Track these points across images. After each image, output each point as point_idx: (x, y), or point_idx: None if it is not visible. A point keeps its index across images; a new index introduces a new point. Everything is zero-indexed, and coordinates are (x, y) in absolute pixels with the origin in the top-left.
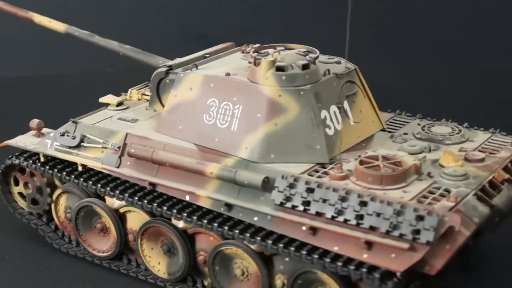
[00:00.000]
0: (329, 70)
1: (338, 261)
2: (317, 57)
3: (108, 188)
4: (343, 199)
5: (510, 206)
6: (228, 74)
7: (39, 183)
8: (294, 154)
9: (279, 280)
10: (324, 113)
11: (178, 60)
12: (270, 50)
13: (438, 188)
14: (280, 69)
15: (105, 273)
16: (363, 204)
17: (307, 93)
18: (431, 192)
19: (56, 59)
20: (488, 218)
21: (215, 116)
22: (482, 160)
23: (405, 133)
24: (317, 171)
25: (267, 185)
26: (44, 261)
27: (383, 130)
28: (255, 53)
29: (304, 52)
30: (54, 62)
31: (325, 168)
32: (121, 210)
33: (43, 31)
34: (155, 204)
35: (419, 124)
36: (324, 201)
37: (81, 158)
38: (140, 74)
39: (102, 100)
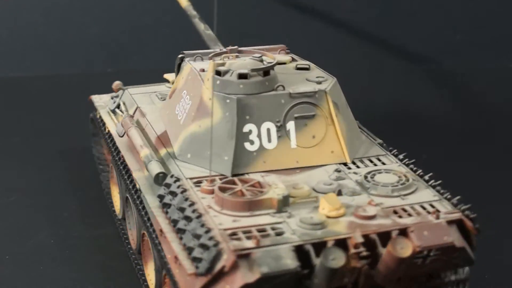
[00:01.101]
0: (283, 86)
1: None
2: (263, 69)
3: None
4: (181, 209)
5: (323, 274)
6: (202, 70)
7: None
8: (205, 159)
9: None
10: (250, 127)
11: (199, 51)
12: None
13: (274, 229)
14: (217, 73)
15: (105, 274)
16: (187, 219)
17: (232, 103)
18: (261, 230)
19: (56, 59)
20: (290, 273)
21: (180, 107)
22: (371, 217)
23: (355, 173)
24: (212, 180)
25: (160, 180)
26: (44, 261)
27: (345, 164)
28: (214, 57)
29: (269, 62)
30: (54, 62)
31: (228, 179)
32: None
33: (43, 31)
34: None
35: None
36: (177, 208)
37: (109, 122)
38: (140, 74)
39: (165, 76)
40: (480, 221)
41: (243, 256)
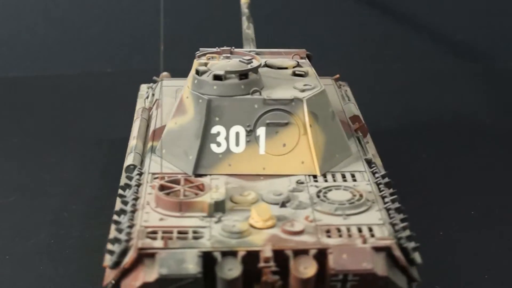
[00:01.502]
0: (260, 92)
1: None
2: (238, 72)
3: None
4: (125, 202)
5: (220, 285)
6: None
7: None
8: (175, 157)
9: None
10: (218, 128)
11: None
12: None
13: (195, 232)
14: (197, 72)
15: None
16: (124, 212)
17: (203, 103)
18: (182, 232)
19: (56, 59)
20: (191, 278)
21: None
22: (296, 233)
23: (316, 186)
24: (162, 178)
25: (131, 171)
26: (44, 261)
27: (315, 176)
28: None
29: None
30: (54, 62)
31: (189, 177)
32: None
33: (42, 31)
34: None
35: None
36: (124, 200)
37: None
38: (140, 74)
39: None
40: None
41: (148, 255)
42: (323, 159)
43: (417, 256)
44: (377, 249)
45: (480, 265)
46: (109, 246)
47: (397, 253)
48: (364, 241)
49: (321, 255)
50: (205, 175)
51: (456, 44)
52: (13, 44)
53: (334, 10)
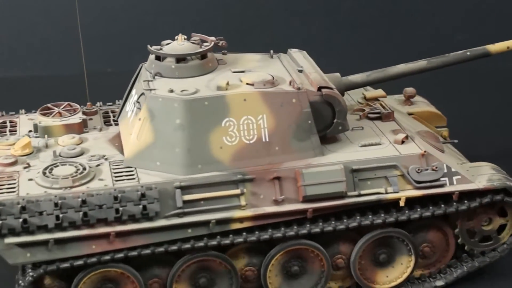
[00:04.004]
0: (160, 72)
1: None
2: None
3: None
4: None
5: None
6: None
7: None
8: None
9: None
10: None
11: None
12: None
13: None
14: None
15: None
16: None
17: None
18: None
19: (56, 59)
20: None
21: None
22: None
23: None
24: None
25: None
26: None
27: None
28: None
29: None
30: (54, 62)
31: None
32: None
33: (43, 31)
34: None
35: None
36: None
37: None
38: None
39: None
40: None
41: None
42: (138, 151)
43: None
44: None
45: None
46: None
47: None
48: None
49: None
50: None
51: (456, 44)
52: (13, 44)
53: (334, 10)
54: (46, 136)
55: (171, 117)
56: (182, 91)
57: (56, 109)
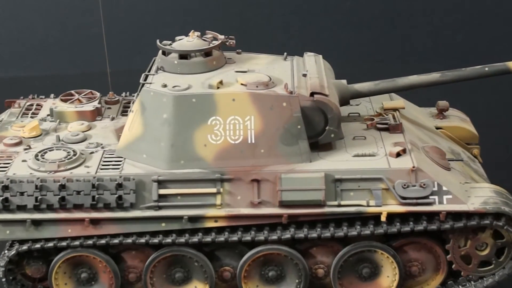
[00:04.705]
0: (164, 66)
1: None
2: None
3: None
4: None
5: None
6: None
7: None
8: None
9: None
10: None
11: None
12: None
13: None
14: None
15: None
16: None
17: None
18: None
19: (56, 59)
20: None
21: None
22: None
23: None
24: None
25: None
26: None
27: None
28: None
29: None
30: (54, 62)
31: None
32: None
33: (43, 31)
34: None
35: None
36: None
37: None
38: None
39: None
40: None
41: None
42: (128, 143)
43: None
44: None
45: None
46: None
47: None
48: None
49: None
50: None
51: (456, 44)
52: (13, 44)
53: (334, 10)
54: (58, 120)
55: (160, 111)
56: (174, 86)
57: (77, 96)
